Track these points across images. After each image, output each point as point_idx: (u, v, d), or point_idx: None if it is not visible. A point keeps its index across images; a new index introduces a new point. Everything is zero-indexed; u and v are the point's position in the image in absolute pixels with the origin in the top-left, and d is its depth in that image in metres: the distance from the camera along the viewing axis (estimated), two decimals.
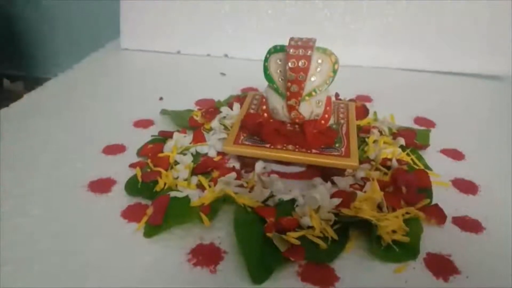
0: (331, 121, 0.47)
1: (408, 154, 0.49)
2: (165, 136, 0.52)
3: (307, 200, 0.40)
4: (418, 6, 0.76)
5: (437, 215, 0.40)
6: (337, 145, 0.45)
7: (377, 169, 0.46)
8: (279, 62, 0.44)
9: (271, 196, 0.42)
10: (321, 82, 0.43)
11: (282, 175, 0.46)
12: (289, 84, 0.43)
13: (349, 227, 0.38)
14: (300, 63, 0.41)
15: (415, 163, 0.48)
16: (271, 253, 0.35)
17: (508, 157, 0.51)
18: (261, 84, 0.48)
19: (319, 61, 0.43)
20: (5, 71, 1.20)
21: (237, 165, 0.48)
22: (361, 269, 0.36)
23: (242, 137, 0.47)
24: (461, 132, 0.57)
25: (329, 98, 0.45)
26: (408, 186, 0.42)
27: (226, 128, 0.53)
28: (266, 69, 0.45)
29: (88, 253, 0.37)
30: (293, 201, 0.41)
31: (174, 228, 0.39)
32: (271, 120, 0.46)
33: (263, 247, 0.36)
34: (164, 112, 0.59)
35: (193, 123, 0.54)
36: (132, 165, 0.48)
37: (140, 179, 0.44)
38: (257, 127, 0.46)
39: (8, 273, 0.35)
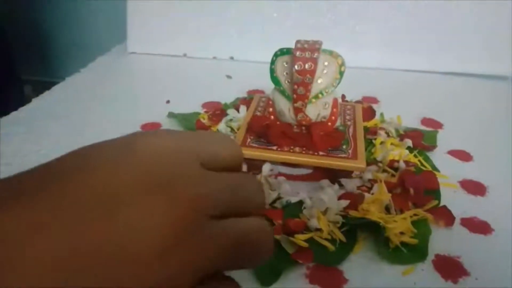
0: (338, 123, 0.47)
1: (415, 156, 0.48)
2: None
3: (314, 202, 0.40)
4: (422, 8, 0.76)
5: (445, 216, 0.40)
6: (344, 147, 0.45)
7: (384, 170, 0.46)
8: (286, 65, 0.44)
9: (279, 198, 0.42)
10: (328, 84, 0.43)
11: (289, 177, 0.46)
12: (295, 86, 0.43)
13: (357, 229, 0.38)
14: (306, 66, 0.42)
15: (422, 165, 0.48)
16: (279, 255, 0.36)
17: None
18: (267, 86, 0.48)
19: (326, 63, 0.43)
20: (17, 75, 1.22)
21: (244, 167, 0.48)
22: (369, 271, 0.36)
23: (249, 140, 0.47)
24: (469, 133, 0.57)
25: (335, 100, 0.45)
26: (416, 188, 0.42)
27: (232, 130, 0.54)
28: (272, 72, 0.45)
29: None
30: (300, 203, 0.41)
31: None
32: (277, 123, 0.46)
33: None
34: (171, 115, 0.59)
35: (200, 126, 0.55)
36: None
37: None
38: (264, 130, 0.46)
39: None
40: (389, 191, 0.41)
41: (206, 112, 0.59)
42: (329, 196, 0.40)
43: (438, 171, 0.48)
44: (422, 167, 0.47)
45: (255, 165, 0.47)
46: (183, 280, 0.16)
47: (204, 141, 0.21)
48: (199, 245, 0.17)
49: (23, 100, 0.66)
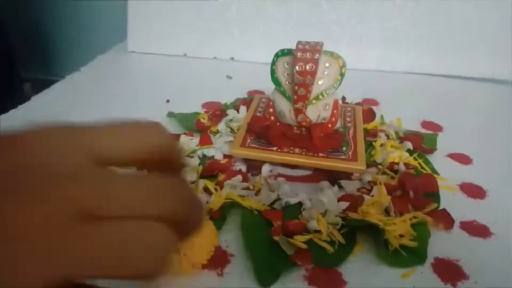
0: (338, 125, 0.47)
1: (415, 158, 0.48)
2: None
3: (314, 204, 0.40)
4: (425, 10, 0.76)
5: (445, 219, 0.40)
6: (344, 148, 0.45)
7: (384, 173, 0.46)
8: (287, 66, 0.44)
9: (278, 199, 0.42)
10: (328, 85, 0.43)
11: (289, 178, 0.46)
12: (296, 87, 0.43)
13: (356, 231, 0.38)
14: (307, 67, 0.41)
15: (422, 167, 0.48)
16: (278, 256, 0.35)
17: None
18: (268, 87, 0.48)
19: (327, 64, 0.43)
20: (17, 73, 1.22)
21: (244, 168, 0.48)
22: (369, 273, 0.35)
23: (249, 140, 0.47)
24: (469, 136, 0.57)
25: (336, 102, 0.45)
26: (416, 191, 0.41)
27: (232, 131, 0.53)
28: (273, 72, 0.45)
29: None
30: (300, 204, 0.41)
31: None
32: (277, 123, 0.46)
33: (270, 251, 0.36)
34: (170, 114, 0.59)
35: (200, 126, 0.54)
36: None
37: None
38: (264, 130, 0.46)
39: None
40: (389, 193, 0.41)
41: (206, 112, 0.59)
42: (328, 197, 0.40)
43: (438, 174, 0.47)
44: (422, 170, 0.47)
45: (255, 166, 0.47)
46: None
47: (102, 135, 0.19)
48: (60, 248, 0.15)
49: (22, 99, 0.66)
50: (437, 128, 0.59)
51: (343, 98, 0.59)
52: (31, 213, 0.15)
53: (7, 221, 0.15)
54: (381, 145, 0.50)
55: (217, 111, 0.58)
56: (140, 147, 0.20)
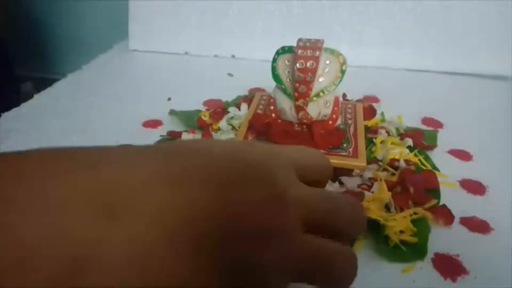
0: (339, 122, 0.48)
1: (415, 155, 0.49)
2: (173, 136, 0.53)
3: None
4: (425, 6, 0.76)
5: (445, 215, 0.40)
6: (344, 145, 0.45)
7: (384, 169, 0.46)
8: (287, 63, 0.44)
9: None
10: (329, 82, 0.44)
11: None
12: (297, 84, 0.43)
13: None
14: (308, 64, 0.42)
15: (422, 164, 0.48)
16: None
17: None
18: (269, 84, 0.48)
19: (327, 62, 0.43)
20: (14, 72, 1.22)
21: None
22: (369, 268, 0.36)
23: (250, 137, 0.47)
24: (469, 132, 0.57)
25: (337, 99, 0.45)
26: (416, 187, 0.42)
27: (234, 128, 0.54)
28: (274, 70, 0.45)
29: None
30: None
31: None
32: (279, 121, 0.47)
33: None
34: (172, 112, 0.59)
35: (201, 123, 0.55)
36: None
37: None
38: (265, 128, 0.46)
39: None
40: (389, 189, 0.41)
41: (207, 109, 0.59)
42: None
43: (438, 170, 0.48)
44: (422, 166, 0.47)
45: None
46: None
47: (299, 151, 0.22)
48: (284, 247, 0.17)
49: (19, 99, 0.66)
50: (437, 124, 0.59)
51: (344, 95, 0.59)
52: (264, 207, 0.17)
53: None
54: (382, 141, 0.51)
55: (219, 109, 0.58)
56: (321, 168, 0.23)
